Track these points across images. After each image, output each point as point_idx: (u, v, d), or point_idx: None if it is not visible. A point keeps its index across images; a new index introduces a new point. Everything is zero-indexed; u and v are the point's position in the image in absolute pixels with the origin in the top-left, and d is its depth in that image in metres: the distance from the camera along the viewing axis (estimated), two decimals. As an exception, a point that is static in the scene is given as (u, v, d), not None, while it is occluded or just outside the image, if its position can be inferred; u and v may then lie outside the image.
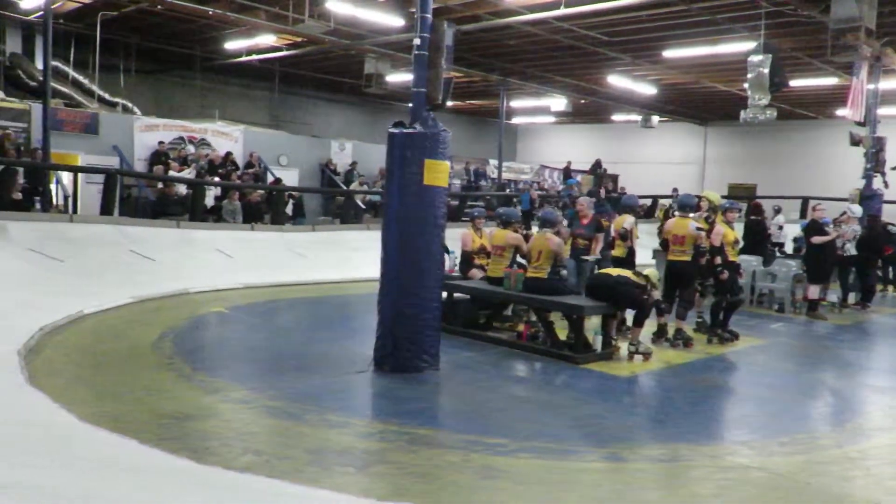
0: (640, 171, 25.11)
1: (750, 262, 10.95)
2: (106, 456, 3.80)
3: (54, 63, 13.03)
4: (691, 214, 8.23)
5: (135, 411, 4.80)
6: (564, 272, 7.69)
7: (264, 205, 14.27)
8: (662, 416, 5.66)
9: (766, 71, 12.21)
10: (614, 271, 7.45)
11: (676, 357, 7.46)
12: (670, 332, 7.95)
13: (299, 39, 16.03)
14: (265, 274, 10.76)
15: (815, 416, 6.00)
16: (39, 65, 14.31)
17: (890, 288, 13.86)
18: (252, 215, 13.53)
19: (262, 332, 8.08)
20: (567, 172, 23.79)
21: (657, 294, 7.73)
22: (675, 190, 20.29)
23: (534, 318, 7.91)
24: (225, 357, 6.92)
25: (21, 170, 11.95)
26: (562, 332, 7.39)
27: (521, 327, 7.90)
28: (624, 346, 7.41)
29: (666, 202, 19.84)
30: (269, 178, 16.37)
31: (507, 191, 21.20)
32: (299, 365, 6.41)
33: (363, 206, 16.82)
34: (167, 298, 9.10)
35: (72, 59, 16.17)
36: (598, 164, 24.09)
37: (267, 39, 15.84)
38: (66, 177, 13.38)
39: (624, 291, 7.15)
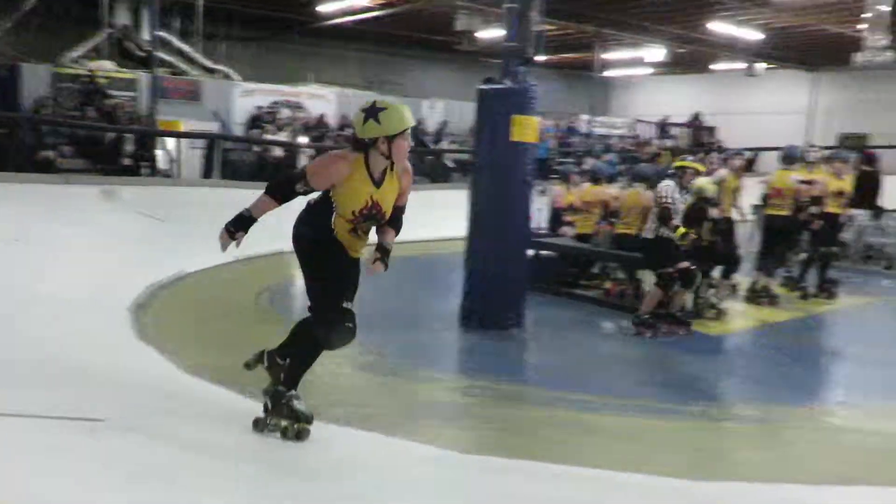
0: (742, 122, 23.79)
1: (859, 217, 10.26)
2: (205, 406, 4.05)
3: (160, 33, 13.55)
4: (795, 166, 7.81)
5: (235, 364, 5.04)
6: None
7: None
8: (756, 376, 5.49)
9: (888, 8, 11.35)
10: None
11: (772, 315, 7.17)
12: (757, 288, 7.63)
13: (393, -1, 16.01)
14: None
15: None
16: (146, 35, 14.97)
17: None
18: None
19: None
20: (663, 126, 22.95)
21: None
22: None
23: (622, 275, 7.78)
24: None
25: (131, 136, 12.64)
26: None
27: (608, 284, 7.79)
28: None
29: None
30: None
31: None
32: (388, 322, 6.55)
33: (452, 165, 16.84)
34: (264, 258, 9.45)
35: (178, 28, 16.75)
36: (695, 118, 23.11)
37: (361, 0, 15.90)
38: (171, 142, 14.03)
39: None
